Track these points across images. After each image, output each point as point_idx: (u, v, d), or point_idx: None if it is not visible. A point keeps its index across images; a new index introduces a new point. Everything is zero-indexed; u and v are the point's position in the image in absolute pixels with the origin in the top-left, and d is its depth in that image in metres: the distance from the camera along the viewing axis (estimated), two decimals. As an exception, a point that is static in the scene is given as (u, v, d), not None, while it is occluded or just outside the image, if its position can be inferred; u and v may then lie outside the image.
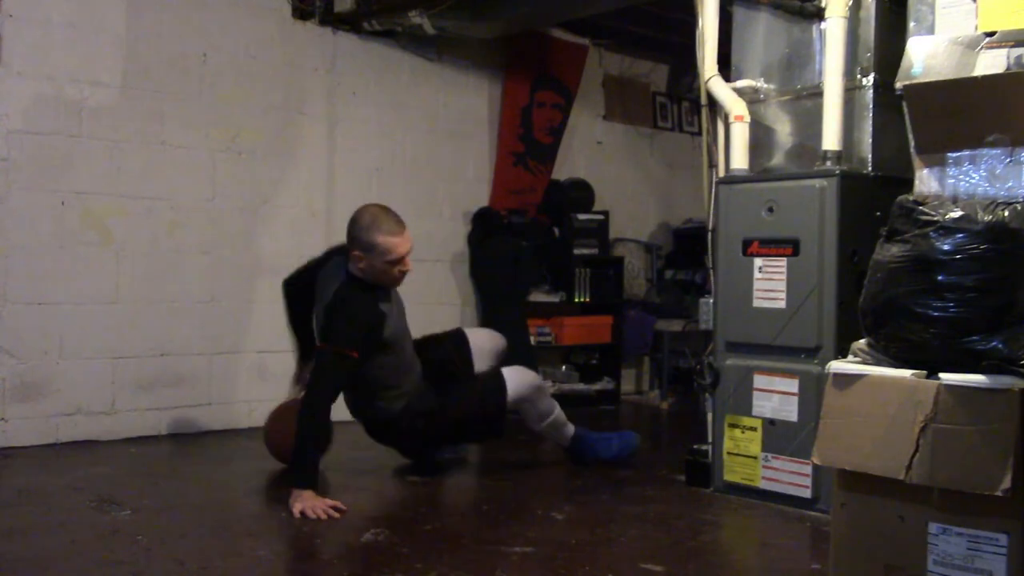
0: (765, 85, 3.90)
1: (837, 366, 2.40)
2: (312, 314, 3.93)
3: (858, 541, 2.32)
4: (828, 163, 3.50)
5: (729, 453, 3.67)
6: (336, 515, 3.27)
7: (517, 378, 3.95)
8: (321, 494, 3.36)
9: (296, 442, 3.44)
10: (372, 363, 3.73)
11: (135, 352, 4.69)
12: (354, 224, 3.71)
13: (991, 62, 2.53)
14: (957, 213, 2.22)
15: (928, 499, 2.19)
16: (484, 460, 4.73)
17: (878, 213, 3.08)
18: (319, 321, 3.79)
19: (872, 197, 3.40)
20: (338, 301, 3.64)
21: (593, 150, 6.80)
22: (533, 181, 6.26)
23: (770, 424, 3.55)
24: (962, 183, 2.50)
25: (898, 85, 2.70)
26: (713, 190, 3.81)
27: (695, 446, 3.86)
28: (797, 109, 3.81)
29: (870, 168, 3.60)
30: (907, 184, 2.69)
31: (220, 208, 4.95)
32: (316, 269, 3.92)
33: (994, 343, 2.15)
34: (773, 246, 3.55)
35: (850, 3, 3.56)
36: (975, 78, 2.50)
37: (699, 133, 4.53)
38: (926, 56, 2.66)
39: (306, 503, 3.28)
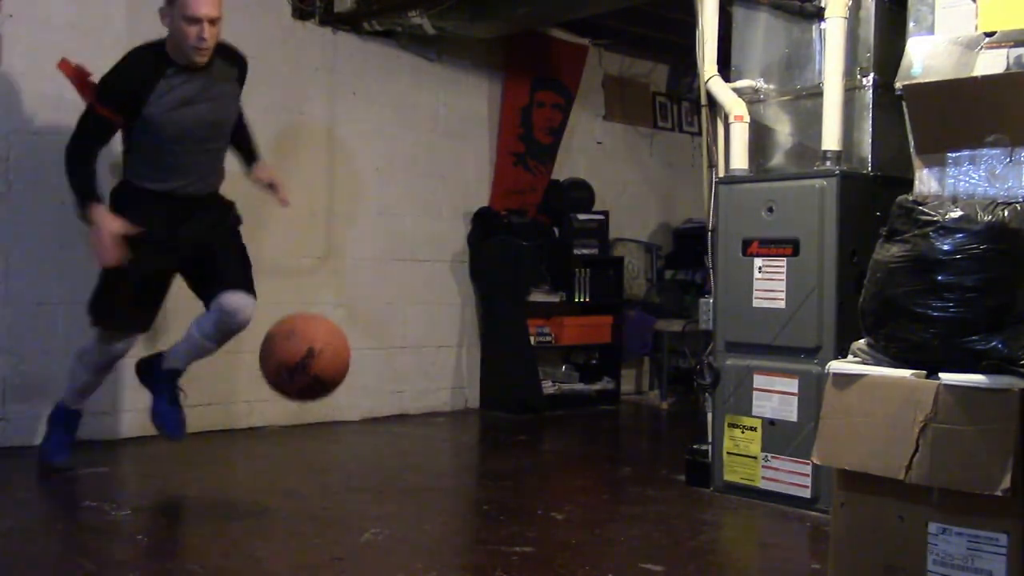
0: (765, 85, 3.90)
1: (837, 366, 2.40)
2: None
3: (858, 541, 2.32)
4: (828, 163, 3.50)
5: (729, 453, 3.67)
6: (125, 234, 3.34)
7: None
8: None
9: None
10: (132, 135, 3.50)
11: (135, 352, 4.68)
12: None
13: (991, 62, 2.53)
14: (957, 213, 2.22)
15: (928, 499, 2.19)
16: (484, 460, 4.74)
17: (878, 213, 3.08)
18: None
19: (872, 197, 3.40)
20: (122, 57, 3.45)
21: (593, 150, 6.80)
22: (533, 181, 6.26)
23: (770, 424, 3.55)
24: (962, 183, 2.50)
25: (898, 85, 2.71)
26: (713, 190, 3.82)
27: (695, 446, 3.86)
28: (797, 109, 3.82)
29: (870, 168, 3.60)
30: (907, 184, 2.69)
31: (220, 208, 4.93)
32: None
33: (994, 343, 2.15)
34: (773, 246, 3.55)
35: (850, 3, 3.56)
36: (975, 78, 2.51)
37: (699, 133, 4.53)
38: (926, 56, 2.67)
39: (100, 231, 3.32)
